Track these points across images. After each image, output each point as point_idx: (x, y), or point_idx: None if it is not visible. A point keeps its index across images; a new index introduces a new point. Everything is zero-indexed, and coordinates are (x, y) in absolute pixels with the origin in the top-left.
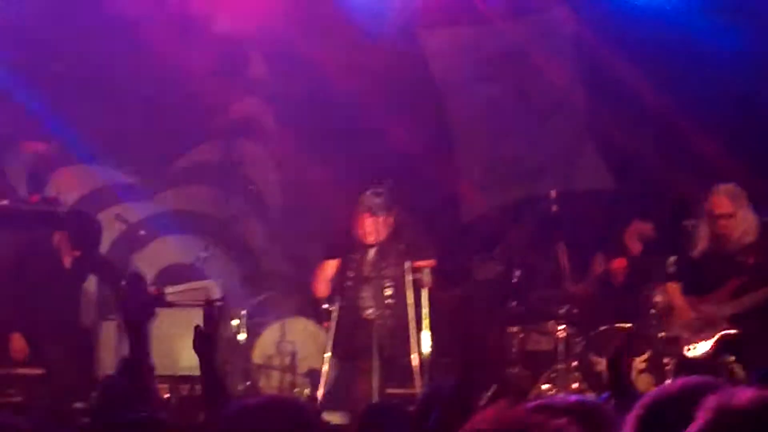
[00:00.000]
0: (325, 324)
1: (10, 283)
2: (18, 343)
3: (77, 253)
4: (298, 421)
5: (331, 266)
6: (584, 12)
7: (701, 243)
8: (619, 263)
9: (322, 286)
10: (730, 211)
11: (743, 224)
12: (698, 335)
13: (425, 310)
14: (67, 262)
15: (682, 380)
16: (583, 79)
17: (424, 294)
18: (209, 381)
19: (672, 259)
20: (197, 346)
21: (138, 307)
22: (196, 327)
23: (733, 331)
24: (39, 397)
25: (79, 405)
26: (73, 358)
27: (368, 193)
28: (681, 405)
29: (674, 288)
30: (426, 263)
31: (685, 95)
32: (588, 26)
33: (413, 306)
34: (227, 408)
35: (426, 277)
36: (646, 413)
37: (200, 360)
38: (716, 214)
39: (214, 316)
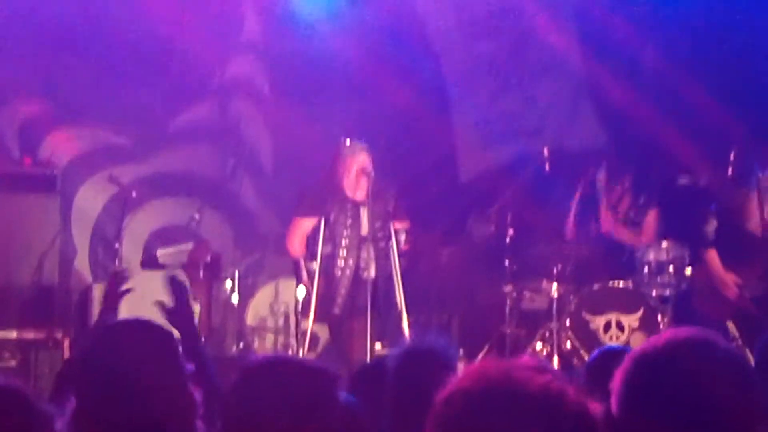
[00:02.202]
0: (305, 283)
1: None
2: None
3: None
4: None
5: (308, 224)
6: None
7: (752, 217)
8: (606, 218)
9: (299, 245)
10: None
11: None
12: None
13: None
14: None
15: (669, 333)
16: (580, 36)
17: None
18: (188, 350)
19: (713, 224)
20: (170, 321)
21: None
22: (160, 303)
23: None
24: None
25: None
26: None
27: (361, 152)
28: (668, 358)
29: (713, 255)
30: (403, 225)
31: (683, 55)
32: None
33: (399, 267)
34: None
35: (403, 238)
36: (633, 367)
37: (179, 333)
38: None
39: (180, 286)
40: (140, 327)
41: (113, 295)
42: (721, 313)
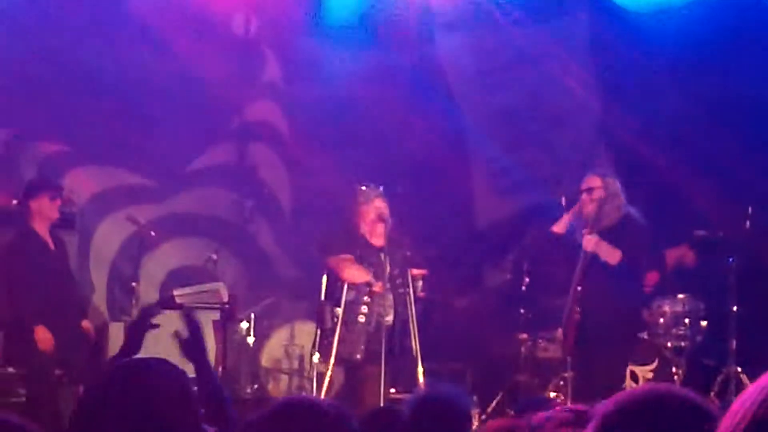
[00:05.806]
0: (328, 325)
1: (23, 277)
2: (43, 333)
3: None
4: (321, 423)
5: (351, 258)
6: (599, 17)
7: None
8: (652, 277)
9: (356, 270)
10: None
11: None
12: None
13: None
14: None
15: (650, 386)
16: (598, 85)
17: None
18: (205, 386)
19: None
20: (185, 353)
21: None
22: (176, 333)
23: None
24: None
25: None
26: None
27: (377, 197)
28: (644, 408)
29: None
30: (420, 272)
31: (702, 103)
32: (602, 32)
33: (415, 314)
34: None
35: (420, 285)
36: (609, 412)
37: (194, 366)
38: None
39: (195, 321)
40: (154, 366)
41: (140, 328)
42: None
